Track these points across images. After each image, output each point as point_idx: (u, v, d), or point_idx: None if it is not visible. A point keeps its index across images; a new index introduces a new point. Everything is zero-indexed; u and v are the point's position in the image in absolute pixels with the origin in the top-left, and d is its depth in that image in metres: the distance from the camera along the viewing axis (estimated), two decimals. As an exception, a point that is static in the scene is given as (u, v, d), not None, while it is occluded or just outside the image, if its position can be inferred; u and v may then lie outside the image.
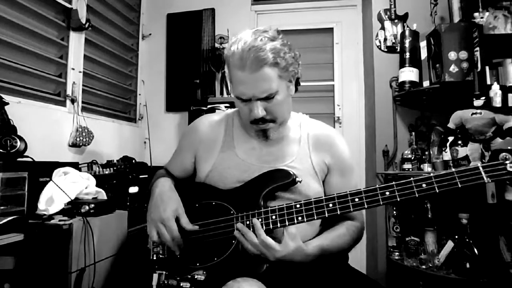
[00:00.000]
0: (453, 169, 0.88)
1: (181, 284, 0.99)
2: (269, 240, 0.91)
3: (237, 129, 1.16)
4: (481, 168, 0.86)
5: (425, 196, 0.88)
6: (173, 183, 1.14)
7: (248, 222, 0.97)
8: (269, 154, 1.11)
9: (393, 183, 0.91)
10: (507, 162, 0.85)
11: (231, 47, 0.98)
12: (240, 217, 0.99)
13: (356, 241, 1.09)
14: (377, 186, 0.92)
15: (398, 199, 0.89)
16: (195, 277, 0.98)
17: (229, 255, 0.98)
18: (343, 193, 0.93)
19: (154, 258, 1.05)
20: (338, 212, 0.92)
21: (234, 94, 1.02)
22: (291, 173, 1.01)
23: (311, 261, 0.95)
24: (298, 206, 0.95)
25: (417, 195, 0.88)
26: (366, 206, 0.91)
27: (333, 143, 1.14)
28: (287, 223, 0.94)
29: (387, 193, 0.90)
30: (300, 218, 0.94)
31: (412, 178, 0.90)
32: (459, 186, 0.86)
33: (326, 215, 0.93)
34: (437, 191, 0.87)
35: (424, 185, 0.88)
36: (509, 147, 0.88)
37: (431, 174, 0.89)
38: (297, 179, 1.00)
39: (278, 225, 0.94)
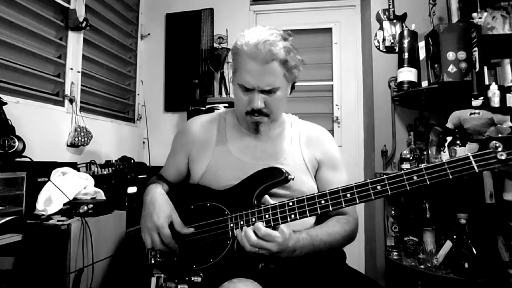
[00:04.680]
0: (444, 160, 0.87)
1: (179, 287, 0.98)
2: (269, 230, 0.90)
3: (230, 128, 1.17)
4: (471, 158, 0.84)
5: (417, 188, 0.87)
6: (164, 188, 1.14)
7: (242, 222, 0.97)
8: (263, 151, 1.12)
9: (384, 177, 0.90)
10: (499, 149, 0.83)
11: (245, 37, 1.02)
12: (234, 217, 0.99)
13: (350, 234, 1.09)
14: (368, 180, 0.91)
15: (390, 193, 0.88)
16: (192, 279, 0.98)
17: (224, 256, 0.98)
18: (335, 189, 0.93)
19: (152, 261, 1.05)
20: (331, 208, 0.92)
21: (238, 82, 1.05)
22: (284, 171, 1.00)
23: (301, 248, 0.95)
24: (290, 204, 0.95)
25: (408, 188, 0.87)
26: (358, 201, 0.91)
27: (323, 140, 1.18)
28: (280, 221, 0.94)
29: (378, 187, 0.89)
30: (293, 216, 0.94)
31: (403, 171, 0.89)
32: (450, 177, 0.84)
33: (319, 211, 0.93)
34: (428, 183, 0.86)
35: (415, 177, 0.87)
36: (499, 135, 0.86)
37: (422, 166, 0.87)
38: (289, 176, 1.00)
39: (272, 223, 0.94)
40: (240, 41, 1.03)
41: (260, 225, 0.91)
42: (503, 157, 0.83)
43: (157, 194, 1.09)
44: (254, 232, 0.91)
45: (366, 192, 0.90)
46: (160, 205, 1.05)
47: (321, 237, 1.01)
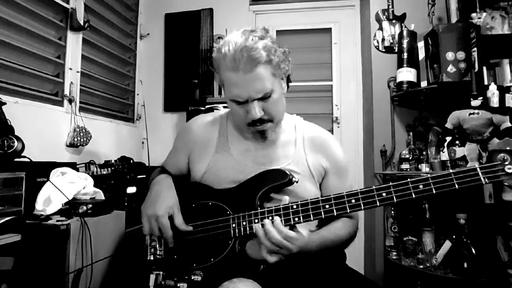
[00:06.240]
0: (451, 170, 0.86)
1: (178, 285, 0.98)
2: (292, 233, 0.90)
3: (231, 130, 1.15)
4: (478, 169, 0.84)
5: (422, 197, 0.87)
6: (172, 181, 1.14)
7: (244, 223, 0.97)
8: (264, 156, 1.10)
9: (390, 184, 0.89)
10: (506, 163, 0.82)
11: (222, 49, 0.96)
12: (237, 217, 0.99)
13: (353, 236, 1.10)
14: (374, 187, 0.90)
15: (395, 200, 0.88)
16: (192, 277, 0.98)
17: (226, 255, 0.98)
18: (339, 194, 0.93)
19: (151, 258, 1.05)
20: (335, 213, 0.92)
21: (229, 97, 1.01)
22: (288, 173, 1.00)
23: (314, 249, 0.96)
24: (294, 206, 0.94)
25: (414, 196, 0.87)
26: (362, 207, 0.90)
27: (328, 145, 1.13)
28: (283, 224, 0.93)
29: (384, 194, 0.89)
30: (296, 219, 0.93)
31: (409, 179, 0.88)
32: (456, 187, 0.84)
33: (323, 216, 0.92)
34: (434, 192, 0.86)
35: (421, 186, 0.87)
36: (507, 148, 0.84)
37: (428, 175, 0.87)
38: (293, 179, 0.99)
39: None
40: (217, 55, 0.98)
41: (282, 227, 0.90)
42: (510, 171, 0.82)
43: (166, 186, 1.10)
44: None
45: (372, 199, 0.90)
46: (165, 196, 1.05)
47: (331, 238, 1.02)
